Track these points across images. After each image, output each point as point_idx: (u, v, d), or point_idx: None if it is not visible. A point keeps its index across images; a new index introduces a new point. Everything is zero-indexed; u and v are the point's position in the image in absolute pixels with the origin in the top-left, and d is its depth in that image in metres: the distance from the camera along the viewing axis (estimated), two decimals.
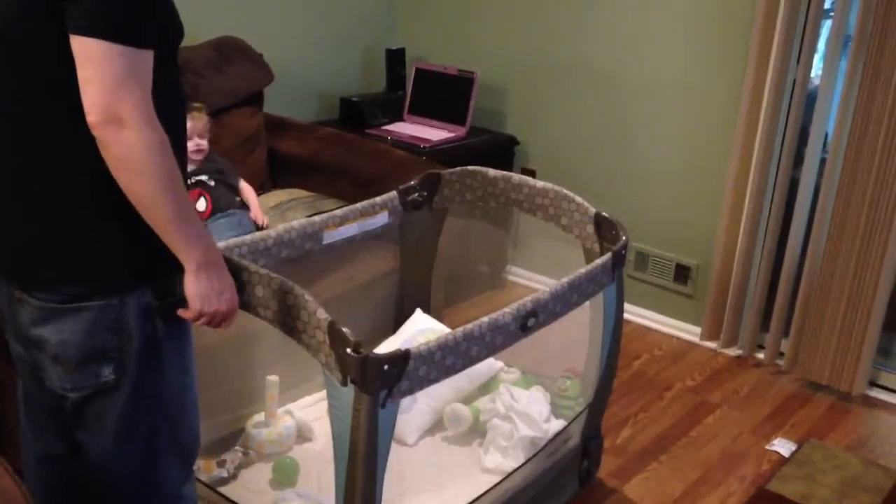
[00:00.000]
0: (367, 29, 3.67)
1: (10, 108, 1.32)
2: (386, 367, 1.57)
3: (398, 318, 2.64)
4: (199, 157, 2.62)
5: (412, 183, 2.51)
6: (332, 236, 2.36)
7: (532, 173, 3.51)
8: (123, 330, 1.38)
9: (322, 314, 1.60)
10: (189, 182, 2.61)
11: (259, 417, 2.22)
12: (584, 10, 3.23)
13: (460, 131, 3.38)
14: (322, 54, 3.52)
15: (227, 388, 2.22)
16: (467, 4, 3.55)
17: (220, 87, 2.82)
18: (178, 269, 1.37)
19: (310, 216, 2.70)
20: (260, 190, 2.85)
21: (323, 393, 2.41)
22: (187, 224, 1.31)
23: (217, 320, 1.43)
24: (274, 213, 2.71)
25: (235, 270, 1.64)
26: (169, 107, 1.34)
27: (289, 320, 1.67)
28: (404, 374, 1.60)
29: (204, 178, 2.62)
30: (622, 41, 3.17)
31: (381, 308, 2.69)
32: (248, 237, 2.11)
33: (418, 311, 2.57)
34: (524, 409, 2.21)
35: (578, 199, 2.27)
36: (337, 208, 2.76)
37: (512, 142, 3.50)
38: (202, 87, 2.78)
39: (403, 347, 1.60)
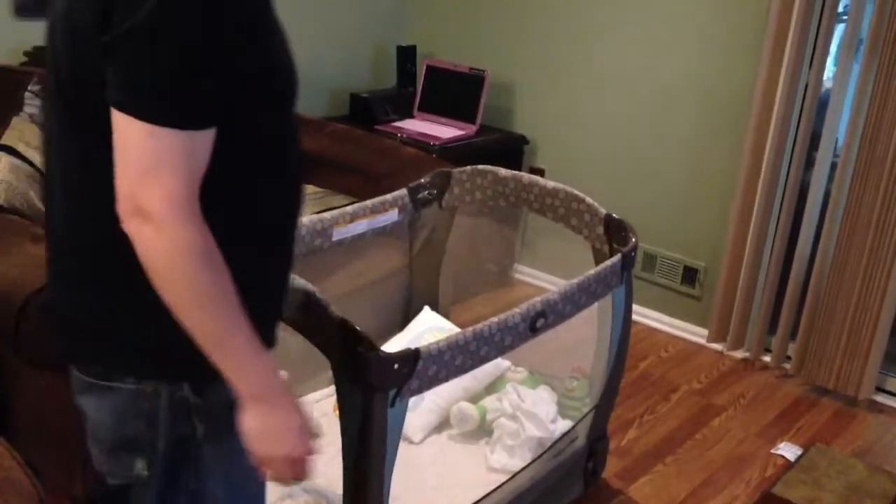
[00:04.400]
0: (377, 26, 3.67)
1: (62, 168, 1.13)
2: (396, 365, 1.57)
3: (406, 316, 2.64)
4: None
5: (423, 180, 2.52)
6: (341, 233, 2.37)
7: (541, 172, 3.51)
8: (154, 423, 1.16)
9: (334, 312, 1.61)
10: None
11: None
12: (595, 10, 3.23)
13: (470, 129, 3.38)
14: (332, 51, 3.52)
15: None
16: (479, 2, 3.55)
17: None
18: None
19: (319, 212, 2.72)
20: None
21: (329, 389, 2.43)
22: (233, 348, 1.06)
23: (282, 467, 1.16)
24: None
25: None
26: (274, 175, 1.13)
27: (299, 318, 1.67)
28: (414, 373, 1.61)
29: None
30: (633, 42, 3.17)
31: (389, 305, 2.70)
32: None
33: (426, 309, 2.57)
34: (531, 409, 2.21)
35: (589, 200, 2.27)
36: (347, 204, 2.77)
37: (521, 140, 3.50)
38: None
39: (412, 346, 1.60)
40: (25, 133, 2.27)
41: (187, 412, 1.16)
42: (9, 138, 2.23)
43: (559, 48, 3.36)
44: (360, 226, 2.41)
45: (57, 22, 1.08)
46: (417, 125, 3.42)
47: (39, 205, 2.24)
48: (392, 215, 2.48)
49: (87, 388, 1.18)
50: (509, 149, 3.48)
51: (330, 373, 1.93)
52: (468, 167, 2.52)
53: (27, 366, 1.96)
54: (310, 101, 3.47)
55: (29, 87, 2.34)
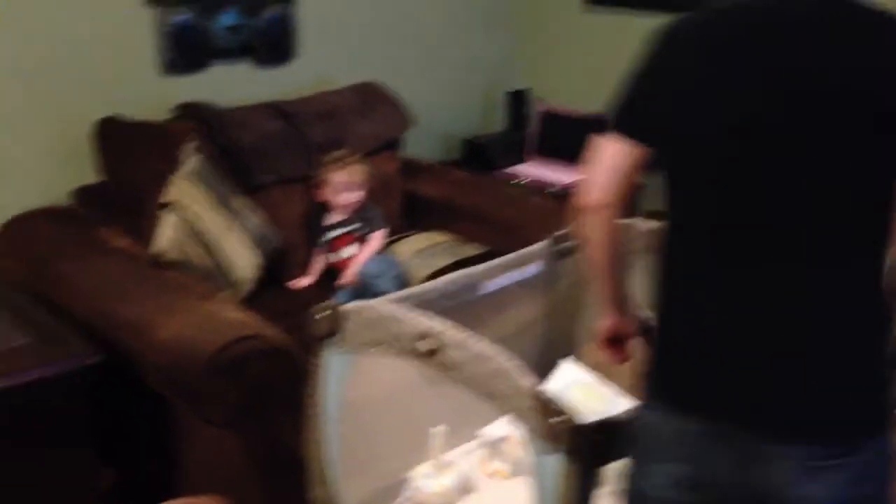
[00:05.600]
0: (489, 69, 3.70)
1: (826, 261, 1.20)
2: (597, 436, 1.56)
3: (543, 367, 2.63)
4: (350, 210, 2.67)
5: (564, 231, 2.51)
6: (488, 287, 2.38)
7: (657, 216, 3.47)
8: (886, 484, 1.23)
9: (528, 381, 1.61)
10: (339, 232, 2.66)
11: (425, 468, 2.22)
12: None
13: None
14: (444, 95, 3.55)
15: (391, 436, 2.23)
16: (589, 46, 3.56)
17: (363, 133, 2.86)
18: None
19: (455, 263, 2.74)
20: (396, 234, 2.87)
21: (478, 441, 2.42)
22: None
23: None
24: (418, 258, 2.73)
25: (431, 334, 1.67)
26: None
27: (488, 384, 1.67)
28: (610, 441, 1.60)
29: (355, 227, 2.68)
30: None
31: (525, 356, 2.69)
32: (415, 289, 2.12)
33: (568, 362, 2.56)
34: None
35: None
36: (479, 254, 2.79)
37: (638, 186, 3.47)
38: (348, 133, 2.82)
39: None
40: (186, 189, 2.32)
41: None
42: (170, 195, 2.28)
43: None
44: (507, 279, 2.41)
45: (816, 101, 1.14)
46: (533, 170, 3.42)
47: (202, 261, 2.29)
48: (534, 266, 2.48)
49: (812, 470, 1.19)
50: None
51: (474, 427, 1.95)
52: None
53: (201, 424, 1.99)
54: (423, 146, 3.50)
55: (189, 144, 2.39)
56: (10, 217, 2.44)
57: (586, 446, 1.55)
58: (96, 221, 2.45)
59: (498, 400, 1.66)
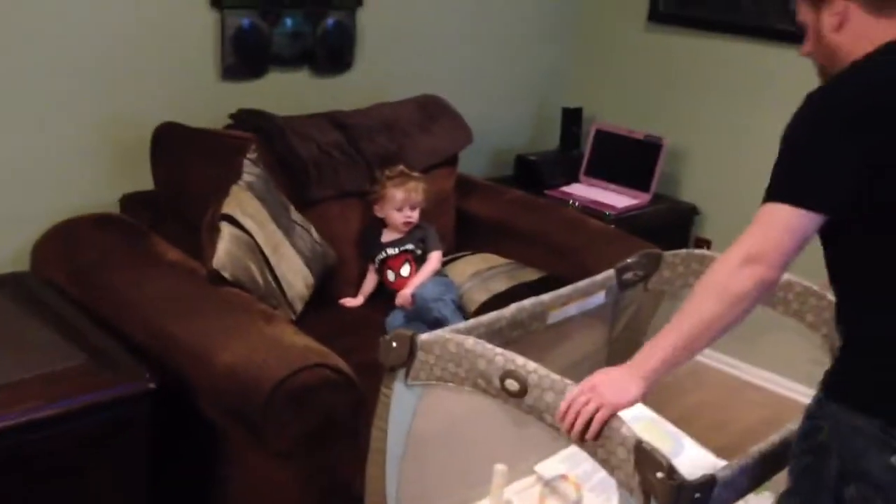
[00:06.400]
0: (542, 87, 3.60)
1: None
2: (697, 495, 1.46)
3: None
4: (406, 228, 2.57)
5: (630, 261, 2.41)
6: (555, 316, 2.28)
7: (707, 244, 3.38)
8: None
9: (627, 431, 1.50)
10: (395, 251, 2.56)
11: None
12: (770, 81, 3.12)
13: (643, 198, 3.27)
14: (497, 110, 3.46)
15: (452, 471, 2.13)
16: (645, 65, 3.46)
17: (424, 148, 2.76)
18: None
19: (511, 287, 2.64)
20: (448, 254, 2.77)
21: (535, 478, 2.32)
22: None
23: None
24: (475, 281, 2.62)
25: (521, 374, 1.58)
26: None
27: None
28: (710, 499, 1.49)
29: (410, 246, 2.57)
30: None
31: None
32: (483, 318, 2.03)
33: None
34: None
35: (830, 296, 2.14)
36: (537, 279, 2.69)
37: (692, 211, 3.38)
38: (407, 147, 2.72)
39: None
40: (244, 202, 2.22)
41: None
42: (229, 206, 2.19)
43: (729, 114, 3.25)
44: (572, 308, 2.31)
45: None
46: (586, 191, 3.33)
47: (259, 278, 2.19)
48: (600, 297, 2.38)
49: None
50: (678, 219, 3.36)
51: (530, 462, 1.93)
52: (682, 251, 2.41)
53: (255, 453, 1.89)
54: (474, 162, 3.41)
55: (247, 155, 2.29)
56: (56, 222, 2.34)
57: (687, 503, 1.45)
58: (147, 231, 2.35)
59: (589, 448, 1.56)
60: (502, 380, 1.65)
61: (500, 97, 3.45)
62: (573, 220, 2.90)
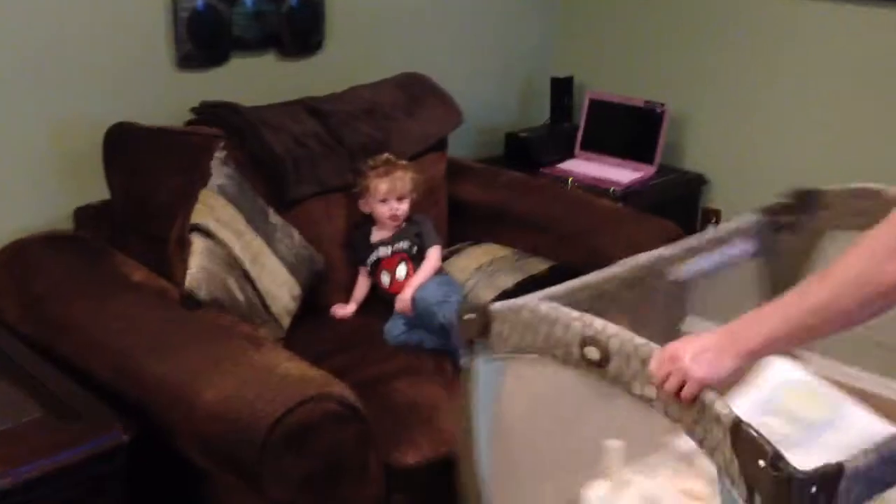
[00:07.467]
0: (528, 58, 3.35)
1: None
2: (814, 489, 1.21)
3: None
4: (395, 222, 2.32)
5: (780, 201, 2.12)
6: (683, 272, 2.00)
7: (717, 214, 3.16)
8: None
9: (723, 408, 1.25)
10: (388, 250, 2.31)
11: (597, 489, 1.87)
12: (781, 37, 2.89)
13: (648, 170, 3.03)
14: (481, 86, 3.21)
15: (553, 453, 1.89)
16: (639, 27, 3.22)
17: (411, 132, 2.50)
18: None
19: (521, 281, 2.39)
20: (444, 247, 2.51)
21: (665, 453, 2.05)
22: None
23: None
24: (479, 277, 2.37)
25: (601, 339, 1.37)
26: None
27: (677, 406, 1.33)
28: (836, 496, 1.25)
29: (405, 244, 2.32)
30: (821, 71, 2.82)
31: None
32: (587, 277, 1.74)
33: (779, 358, 2.15)
34: None
35: None
36: (549, 268, 2.44)
37: (699, 181, 3.15)
38: (393, 133, 2.45)
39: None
40: (216, 209, 1.96)
41: None
42: (199, 215, 1.92)
43: (737, 78, 3.02)
44: (703, 262, 2.04)
45: None
46: (585, 167, 3.08)
47: (239, 295, 1.92)
48: (745, 246, 2.10)
49: None
50: (686, 190, 3.14)
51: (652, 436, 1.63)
52: (846, 186, 2.09)
53: (252, 499, 1.63)
54: (459, 142, 3.16)
55: (215, 154, 2.02)
56: (0, 245, 2.07)
57: (801, 502, 1.20)
58: (106, 248, 2.08)
59: (685, 422, 1.32)
60: (581, 347, 1.42)
61: (482, 71, 3.20)
62: (577, 201, 2.65)
